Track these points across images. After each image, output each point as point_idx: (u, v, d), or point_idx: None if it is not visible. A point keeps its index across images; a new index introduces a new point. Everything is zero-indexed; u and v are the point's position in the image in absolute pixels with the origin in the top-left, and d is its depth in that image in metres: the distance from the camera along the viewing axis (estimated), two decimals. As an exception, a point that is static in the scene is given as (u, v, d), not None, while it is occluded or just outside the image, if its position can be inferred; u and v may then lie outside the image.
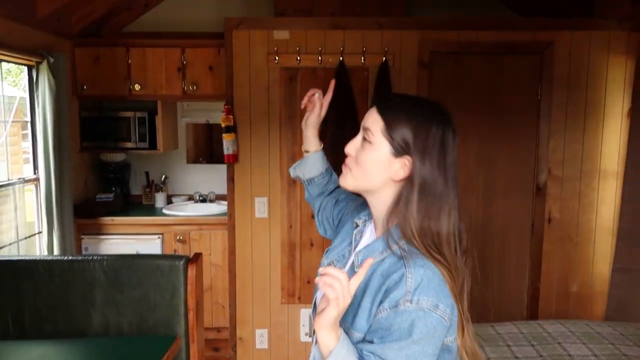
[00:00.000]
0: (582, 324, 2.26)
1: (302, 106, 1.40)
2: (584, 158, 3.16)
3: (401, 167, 1.06)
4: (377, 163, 1.07)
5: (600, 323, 2.30)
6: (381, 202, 1.10)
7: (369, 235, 1.16)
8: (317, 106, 1.37)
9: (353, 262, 1.11)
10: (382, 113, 1.07)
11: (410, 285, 0.97)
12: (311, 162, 1.42)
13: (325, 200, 1.44)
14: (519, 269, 3.25)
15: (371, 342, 0.99)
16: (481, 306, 3.11)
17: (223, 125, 3.07)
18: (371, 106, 1.12)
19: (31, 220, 3.36)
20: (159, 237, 3.48)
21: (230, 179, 3.19)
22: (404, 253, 1.02)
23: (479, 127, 3.18)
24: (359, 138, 1.11)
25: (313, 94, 1.38)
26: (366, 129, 1.09)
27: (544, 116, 3.14)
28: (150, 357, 1.82)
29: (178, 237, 3.48)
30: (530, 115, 3.17)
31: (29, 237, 3.29)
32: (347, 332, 1.02)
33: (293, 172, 1.47)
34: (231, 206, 3.20)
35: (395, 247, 1.04)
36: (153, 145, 3.73)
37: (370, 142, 1.07)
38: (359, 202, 1.30)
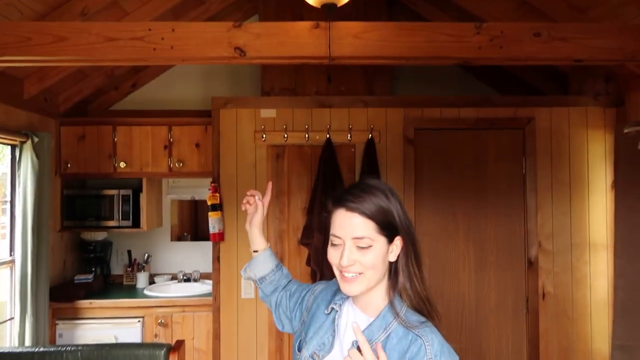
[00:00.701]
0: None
1: (243, 208, 1.43)
2: (573, 231, 3.15)
3: (396, 247, 1.15)
4: (381, 257, 1.13)
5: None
6: (378, 286, 1.16)
7: (355, 315, 1.18)
8: (259, 207, 1.40)
9: (355, 344, 1.10)
10: (369, 215, 1.11)
11: (431, 353, 1.07)
12: (261, 261, 1.43)
13: (280, 295, 1.43)
14: (516, 347, 3.13)
15: None
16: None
17: (209, 204, 3.02)
18: (335, 208, 1.14)
19: (2, 305, 3.18)
20: (139, 321, 3.30)
21: (216, 259, 3.09)
22: (409, 324, 1.10)
23: (466, 201, 3.19)
24: (352, 249, 1.11)
25: (252, 195, 1.41)
26: (360, 238, 1.11)
27: (530, 190, 3.16)
28: None
29: (160, 321, 3.31)
30: (516, 188, 3.19)
31: (0, 323, 3.10)
32: None
33: (244, 273, 1.46)
34: (216, 287, 3.08)
35: (398, 319, 1.11)
36: (136, 223, 3.64)
37: (370, 246, 1.11)
38: (317, 288, 1.34)
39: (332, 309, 1.22)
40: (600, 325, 3.11)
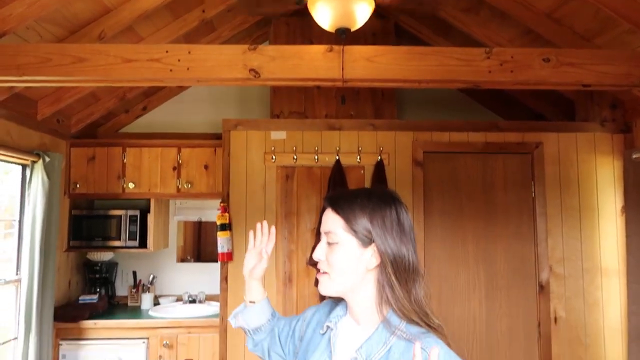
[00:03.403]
0: None
1: (253, 246, 1.34)
2: (584, 256, 3.14)
3: (372, 255, 1.11)
4: (349, 259, 1.11)
5: None
6: (364, 297, 1.13)
7: (352, 330, 1.15)
8: (264, 259, 1.33)
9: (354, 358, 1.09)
10: (338, 211, 1.13)
11: None
12: (258, 311, 1.35)
13: (269, 339, 1.37)
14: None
15: None
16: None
17: (218, 223, 3.02)
18: (323, 208, 1.17)
19: (5, 325, 3.14)
20: (144, 342, 3.26)
21: (224, 279, 3.07)
22: (409, 336, 1.06)
23: (476, 225, 3.18)
24: (323, 244, 1.15)
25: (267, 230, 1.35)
26: (328, 232, 1.14)
27: (540, 214, 3.16)
28: None
29: (165, 342, 3.26)
30: (526, 213, 3.19)
31: (3, 343, 3.06)
32: None
33: (235, 322, 1.38)
34: (224, 307, 3.05)
35: (399, 333, 1.07)
36: (143, 244, 3.63)
37: (337, 243, 1.12)
38: (308, 314, 1.31)
39: (328, 327, 1.18)
40: (614, 352, 3.06)
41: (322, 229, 1.16)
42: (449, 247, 3.17)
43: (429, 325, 1.09)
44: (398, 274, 1.09)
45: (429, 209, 3.16)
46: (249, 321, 1.35)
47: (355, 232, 1.10)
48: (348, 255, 1.11)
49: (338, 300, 1.24)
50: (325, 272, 1.14)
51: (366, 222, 1.10)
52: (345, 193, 1.20)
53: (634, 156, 2.87)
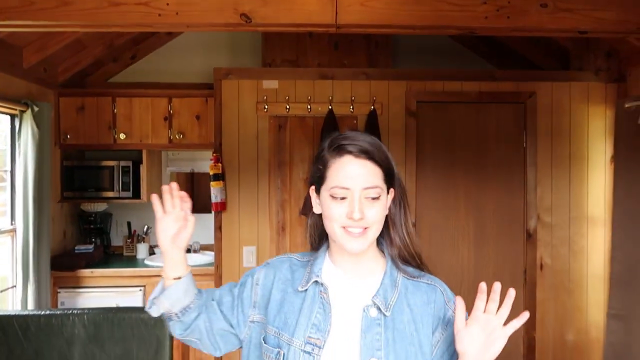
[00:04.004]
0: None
1: (170, 208, 1.11)
2: (572, 205, 3.20)
3: (389, 199, 1.08)
4: (384, 210, 1.07)
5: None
6: (374, 242, 1.10)
7: (351, 282, 1.08)
8: (190, 222, 1.10)
9: (369, 310, 1.04)
10: (379, 163, 1.04)
11: (448, 296, 1.10)
12: (185, 287, 1.10)
13: (207, 314, 1.14)
14: (513, 317, 3.18)
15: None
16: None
17: (211, 173, 3.03)
18: (339, 156, 1.03)
19: (3, 274, 3.19)
20: (140, 290, 3.33)
21: (218, 228, 3.11)
22: (413, 275, 1.08)
23: (468, 174, 3.21)
24: (362, 200, 1.01)
25: (181, 198, 1.12)
26: (371, 188, 1.02)
27: (530, 164, 3.20)
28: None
29: (161, 290, 3.34)
30: (517, 163, 3.22)
31: (1, 291, 3.11)
32: None
33: (156, 309, 1.11)
34: (218, 256, 3.11)
35: (403, 273, 1.08)
36: (137, 195, 3.65)
37: (379, 197, 1.03)
38: (259, 276, 1.14)
39: (316, 282, 1.08)
40: (596, 297, 3.18)
41: (358, 184, 1.01)
42: (440, 196, 3.22)
43: (421, 265, 1.12)
44: (406, 213, 1.10)
45: (421, 159, 3.18)
46: (176, 302, 1.09)
47: (389, 182, 1.05)
48: (384, 206, 1.05)
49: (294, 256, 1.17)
50: (366, 228, 1.02)
51: (393, 169, 1.07)
52: (364, 139, 1.05)
53: (627, 105, 2.87)
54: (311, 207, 1.13)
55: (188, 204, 1.12)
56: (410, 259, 1.11)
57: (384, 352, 1.01)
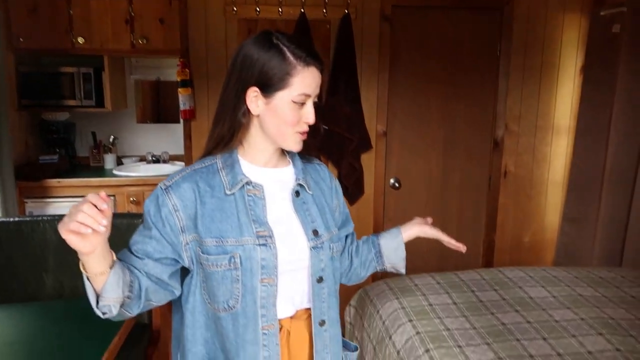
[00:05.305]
0: (540, 270, 2.37)
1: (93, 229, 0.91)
2: (539, 114, 3.27)
3: None
4: None
5: (555, 268, 2.41)
6: None
7: (273, 173, 1.19)
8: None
9: (296, 192, 1.20)
10: (322, 70, 1.14)
11: (330, 172, 1.35)
12: (120, 269, 1.03)
13: (146, 278, 1.09)
14: (475, 221, 3.36)
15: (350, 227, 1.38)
16: (440, 258, 3.21)
17: (178, 79, 2.92)
18: (307, 66, 1.10)
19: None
20: (110, 199, 3.30)
21: (187, 137, 3.06)
22: (305, 159, 1.28)
23: (440, 83, 3.21)
24: (312, 106, 1.15)
25: (102, 212, 0.93)
26: (317, 95, 1.15)
27: (503, 74, 3.20)
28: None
29: (132, 199, 3.32)
30: (490, 72, 3.23)
31: (-35, 201, 3.03)
32: (336, 236, 1.24)
33: (111, 308, 1.02)
34: (188, 165, 3.07)
35: (304, 160, 1.27)
36: (100, 104, 3.50)
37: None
38: (171, 200, 1.09)
39: (245, 184, 1.12)
40: (554, 202, 3.35)
41: (315, 91, 1.13)
42: (412, 105, 3.22)
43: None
44: None
45: (394, 67, 3.14)
46: (123, 286, 1.03)
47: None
48: None
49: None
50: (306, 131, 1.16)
51: None
52: (310, 46, 1.13)
53: (603, 13, 2.85)
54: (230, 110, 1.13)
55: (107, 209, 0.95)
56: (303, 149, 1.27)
57: (317, 223, 1.19)
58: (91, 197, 0.93)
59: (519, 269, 2.38)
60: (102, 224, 0.91)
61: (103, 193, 0.95)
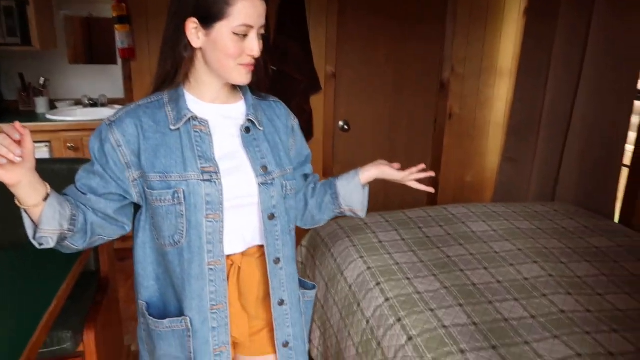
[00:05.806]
0: (481, 206, 2.49)
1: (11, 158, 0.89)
2: (484, 56, 3.33)
3: None
4: None
5: (495, 204, 2.55)
6: None
7: (225, 110, 1.17)
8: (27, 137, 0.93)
9: (245, 128, 1.17)
10: (267, 2, 1.10)
11: (287, 109, 1.30)
12: (57, 202, 1.01)
13: (92, 212, 1.10)
14: (421, 161, 3.44)
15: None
16: (385, 197, 3.30)
17: (115, 15, 2.72)
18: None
19: None
20: (46, 145, 3.11)
21: (127, 77, 2.90)
22: (263, 96, 1.25)
23: (389, 27, 3.18)
24: (258, 39, 1.10)
25: (18, 142, 0.91)
26: (262, 26, 1.09)
27: (450, 17, 3.21)
28: (58, 262, 1.67)
29: (69, 145, 3.15)
30: (437, 15, 3.22)
31: None
32: (290, 175, 1.23)
33: (48, 240, 1.02)
34: (130, 108, 2.93)
35: (258, 97, 1.24)
36: (27, 42, 3.21)
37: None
38: (114, 134, 1.07)
39: (190, 119, 1.09)
40: (494, 143, 3.50)
41: (259, 22, 1.06)
42: (362, 49, 3.18)
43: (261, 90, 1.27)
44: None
45: (343, 8, 3.06)
46: (61, 219, 1.01)
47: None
48: None
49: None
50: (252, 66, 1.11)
51: None
52: None
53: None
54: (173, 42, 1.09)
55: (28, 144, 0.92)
56: (255, 87, 1.23)
57: (267, 159, 1.17)
58: (4, 127, 0.91)
59: (462, 205, 2.50)
60: (16, 153, 0.89)
61: (17, 123, 0.91)
